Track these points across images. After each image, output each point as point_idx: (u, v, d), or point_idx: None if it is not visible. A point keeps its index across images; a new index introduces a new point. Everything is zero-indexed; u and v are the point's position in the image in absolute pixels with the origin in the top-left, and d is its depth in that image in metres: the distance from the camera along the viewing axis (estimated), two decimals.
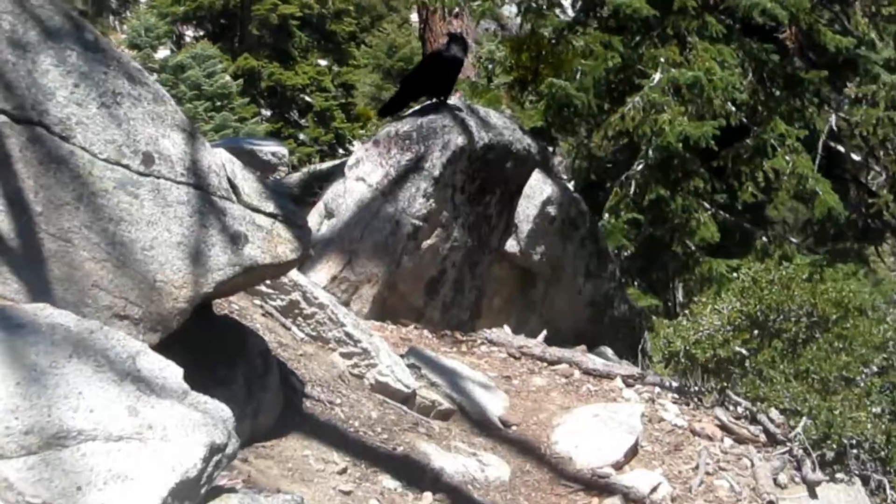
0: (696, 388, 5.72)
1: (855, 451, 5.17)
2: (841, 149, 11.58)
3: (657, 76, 9.77)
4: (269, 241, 3.63)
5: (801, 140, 10.14)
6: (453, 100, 6.82)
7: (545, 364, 5.97)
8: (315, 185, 7.12)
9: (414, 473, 4.11)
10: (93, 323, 2.77)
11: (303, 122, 30.52)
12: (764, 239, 10.96)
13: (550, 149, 9.83)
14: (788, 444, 5.19)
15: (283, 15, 29.40)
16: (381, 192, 6.10)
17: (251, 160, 8.14)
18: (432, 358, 5.32)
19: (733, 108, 9.89)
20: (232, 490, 2.85)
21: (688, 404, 5.63)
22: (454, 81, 7.01)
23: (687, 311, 6.79)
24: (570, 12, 11.65)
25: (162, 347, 3.15)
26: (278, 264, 3.69)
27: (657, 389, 5.78)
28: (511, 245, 6.86)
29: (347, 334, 4.82)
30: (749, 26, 10.51)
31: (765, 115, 10.38)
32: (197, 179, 3.50)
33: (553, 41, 10.78)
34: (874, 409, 5.34)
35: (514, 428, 5.04)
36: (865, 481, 5.17)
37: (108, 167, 3.31)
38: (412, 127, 6.26)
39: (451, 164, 6.21)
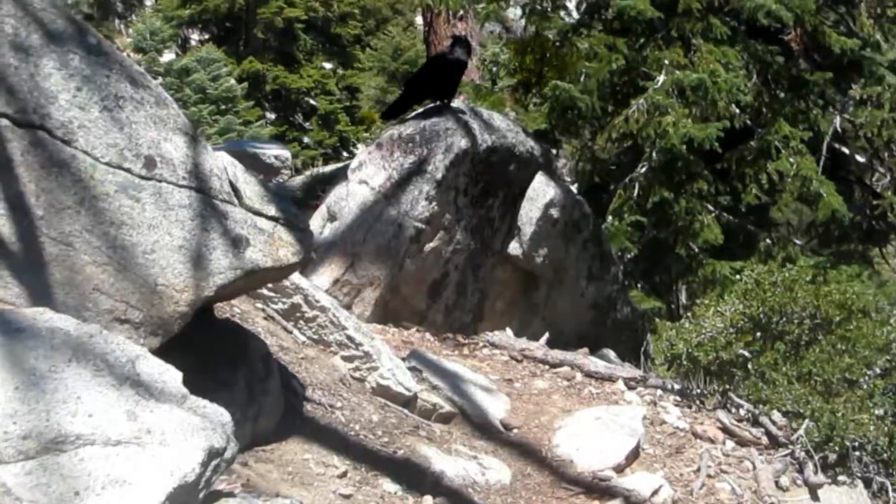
0: (699, 391, 5.70)
1: (857, 453, 5.15)
2: (845, 150, 11.53)
3: (661, 78, 9.74)
4: (270, 244, 3.63)
5: (805, 142, 10.09)
6: (457, 102, 6.82)
7: (547, 367, 5.97)
8: (318, 189, 7.12)
9: (414, 477, 4.10)
10: (92, 327, 2.77)
11: (307, 125, 30.51)
12: (768, 241, 10.90)
13: (554, 151, 9.86)
14: (791, 446, 5.18)
15: (289, 18, 29.40)
16: (384, 195, 6.10)
17: (254, 163, 8.15)
18: (434, 361, 5.32)
19: (737, 110, 9.86)
20: (230, 494, 2.85)
21: (690, 407, 5.62)
22: (458, 84, 7.01)
23: (690, 314, 6.77)
24: (575, 14, 11.65)
25: (163, 351, 3.16)
26: (280, 268, 3.69)
27: (659, 392, 5.77)
28: (514, 248, 6.85)
29: (349, 337, 4.82)
30: (754, 28, 10.48)
31: (769, 117, 10.34)
32: (199, 183, 3.50)
33: (557, 43, 10.77)
34: (877, 412, 5.32)
35: (515, 431, 5.04)
36: (868, 484, 5.15)
37: (109, 171, 3.32)
38: (415, 130, 6.27)
39: (454, 166, 6.22)
